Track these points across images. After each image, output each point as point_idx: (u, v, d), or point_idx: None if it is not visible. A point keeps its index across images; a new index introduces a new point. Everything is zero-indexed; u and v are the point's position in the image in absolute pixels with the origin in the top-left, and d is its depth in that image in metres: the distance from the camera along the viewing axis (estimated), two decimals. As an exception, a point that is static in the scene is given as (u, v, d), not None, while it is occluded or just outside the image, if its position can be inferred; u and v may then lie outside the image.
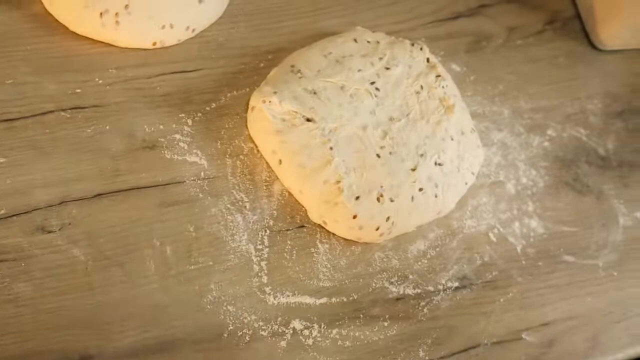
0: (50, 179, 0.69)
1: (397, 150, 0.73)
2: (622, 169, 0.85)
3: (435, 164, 0.74)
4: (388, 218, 0.71)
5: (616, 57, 0.91)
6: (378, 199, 0.71)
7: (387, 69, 0.77)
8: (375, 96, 0.75)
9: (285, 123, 0.73)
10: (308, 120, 0.72)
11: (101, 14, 0.73)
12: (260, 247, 0.71)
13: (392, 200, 0.71)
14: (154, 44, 0.76)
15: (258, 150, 0.75)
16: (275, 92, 0.73)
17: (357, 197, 0.70)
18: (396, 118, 0.75)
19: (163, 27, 0.75)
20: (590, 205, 0.82)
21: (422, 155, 0.74)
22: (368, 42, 0.80)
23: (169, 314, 0.66)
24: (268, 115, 0.73)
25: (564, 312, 0.77)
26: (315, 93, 0.74)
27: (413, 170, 0.73)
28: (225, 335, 0.67)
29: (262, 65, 0.79)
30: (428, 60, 0.79)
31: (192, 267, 0.68)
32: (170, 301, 0.67)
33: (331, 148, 0.71)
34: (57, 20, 0.75)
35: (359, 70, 0.76)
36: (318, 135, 0.72)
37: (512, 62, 0.88)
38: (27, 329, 0.63)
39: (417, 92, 0.77)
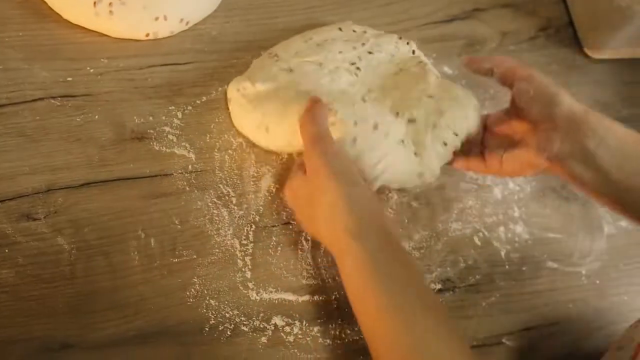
0: (38, 166, 0.69)
1: (377, 105, 0.73)
2: (609, 178, 0.85)
3: (408, 120, 0.73)
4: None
5: (608, 66, 0.91)
6: (375, 128, 0.70)
7: (370, 53, 0.77)
8: (356, 75, 0.75)
9: (261, 98, 0.72)
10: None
11: (95, 2, 0.73)
12: (245, 242, 0.71)
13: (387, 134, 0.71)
14: (147, 35, 0.76)
15: (247, 146, 0.75)
16: (248, 78, 0.74)
17: (355, 123, 0.70)
18: (374, 90, 0.74)
19: (157, 18, 0.75)
20: (575, 213, 0.82)
21: (397, 114, 0.73)
22: (354, 31, 0.79)
23: (151, 306, 0.66)
24: (243, 100, 0.73)
25: (546, 318, 0.77)
26: (291, 70, 0.74)
27: (395, 116, 0.72)
28: (207, 329, 0.67)
29: (254, 60, 0.79)
30: (414, 52, 0.79)
31: (176, 260, 0.69)
32: (153, 293, 0.67)
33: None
34: (50, 8, 0.75)
35: (340, 52, 0.76)
36: (296, 88, 0.72)
37: (505, 67, 0.88)
38: (7, 315, 0.63)
39: (396, 73, 0.76)
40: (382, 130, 0.71)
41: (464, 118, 0.74)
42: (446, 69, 0.85)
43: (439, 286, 0.75)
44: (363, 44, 0.77)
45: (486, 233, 0.78)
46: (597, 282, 0.79)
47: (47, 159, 0.69)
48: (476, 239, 0.78)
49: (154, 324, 0.66)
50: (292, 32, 0.82)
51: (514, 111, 0.72)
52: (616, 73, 0.91)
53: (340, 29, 0.79)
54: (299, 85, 0.72)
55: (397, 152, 0.71)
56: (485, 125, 0.76)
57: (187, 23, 0.78)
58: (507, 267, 0.78)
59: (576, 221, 0.82)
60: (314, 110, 0.68)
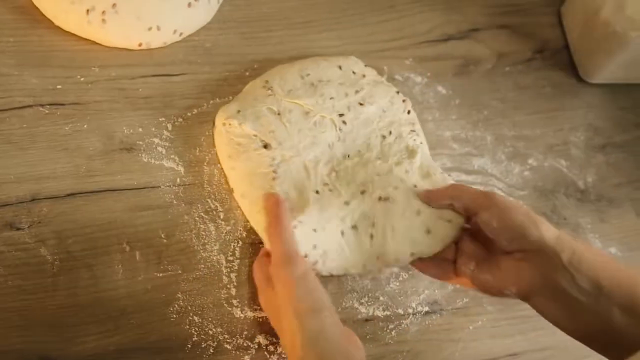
0: (23, 175, 0.68)
1: (338, 187, 0.70)
2: (600, 204, 0.85)
3: (380, 198, 0.70)
4: (315, 246, 0.67)
5: (602, 90, 0.91)
6: (295, 226, 0.67)
7: (361, 104, 0.75)
8: (340, 129, 0.73)
9: (240, 147, 0.71)
10: (265, 147, 0.71)
11: (88, 10, 0.73)
12: (231, 258, 0.70)
13: (314, 230, 0.67)
14: (140, 45, 0.75)
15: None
16: (238, 111, 0.72)
17: (315, 230, 0.67)
18: (351, 156, 0.73)
19: (150, 28, 0.75)
20: (566, 238, 0.82)
21: (363, 192, 0.70)
22: (353, 72, 0.78)
23: (133, 321, 0.66)
24: (225, 138, 0.72)
25: (533, 343, 0.76)
26: (279, 114, 0.73)
27: (346, 204, 0.69)
28: (189, 345, 0.66)
29: (247, 73, 0.79)
30: (409, 112, 0.77)
31: (161, 274, 0.68)
32: (136, 308, 0.66)
33: (274, 179, 0.69)
34: (42, 14, 0.74)
35: (331, 98, 0.75)
36: (266, 165, 0.70)
37: (499, 89, 0.88)
38: (-15, 327, 0.62)
39: (384, 136, 0.74)
40: (310, 227, 0.67)
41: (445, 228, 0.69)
42: (440, 89, 0.85)
43: (426, 308, 0.74)
44: (357, 92, 0.76)
45: (475, 256, 0.78)
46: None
47: (33, 168, 0.68)
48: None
49: (135, 339, 0.65)
50: (286, 47, 0.81)
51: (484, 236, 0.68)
52: (610, 98, 0.91)
53: (340, 67, 0.78)
54: (278, 142, 0.71)
55: (346, 237, 0.69)
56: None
57: (181, 34, 0.77)
58: (495, 290, 0.77)
59: (566, 246, 0.81)
60: (279, 218, 0.65)
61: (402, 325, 0.73)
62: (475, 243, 0.69)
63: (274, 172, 0.70)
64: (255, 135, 0.71)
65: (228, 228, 0.71)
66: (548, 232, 0.64)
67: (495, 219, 0.65)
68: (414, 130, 0.76)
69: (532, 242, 0.64)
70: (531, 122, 0.87)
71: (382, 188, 0.70)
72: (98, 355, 0.64)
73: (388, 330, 0.72)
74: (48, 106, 0.71)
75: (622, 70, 0.90)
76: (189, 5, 0.76)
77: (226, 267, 0.70)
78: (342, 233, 0.69)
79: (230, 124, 0.72)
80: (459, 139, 0.83)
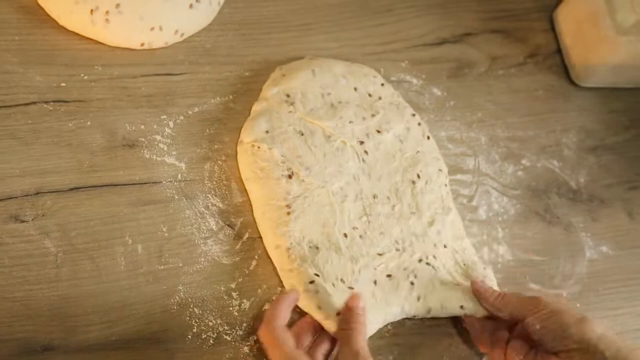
0: (28, 169, 0.69)
1: (370, 235, 0.71)
2: (591, 203, 0.86)
3: (420, 261, 0.72)
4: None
5: (593, 94, 0.93)
6: (333, 284, 0.68)
7: (379, 132, 0.77)
8: (363, 160, 0.75)
9: (261, 173, 0.72)
10: (289, 176, 0.72)
11: (92, 10, 0.74)
12: (232, 253, 0.71)
13: (351, 288, 0.68)
14: (142, 44, 0.77)
15: (236, 157, 0.75)
16: (267, 132, 0.73)
17: (312, 281, 0.68)
18: (380, 200, 0.73)
19: (152, 29, 0.76)
20: (558, 236, 0.83)
21: (398, 249, 0.71)
22: (369, 95, 0.80)
23: (135, 312, 0.67)
24: (250, 158, 0.73)
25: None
26: (302, 134, 0.74)
27: (380, 255, 0.71)
28: (190, 336, 0.67)
29: (247, 74, 0.80)
30: (429, 137, 0.79)
31: (162, 267, 0.69)
32: (137, 299, 0.67)
33: (288, 214, 0.70)
34: (47, 14, 0.76)
35: (350, 122, 0.76)
36: (281, 198, 0.71)
37: (493, 91, 0.90)
38: (-10, 316, 0.64)
39: (413, 182, 0.76)
40: (346, 285, 0.68)
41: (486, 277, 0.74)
42: (435, 90, 0.87)
43: (421, 303, 0.75)
44: (373, 115, 0.78)
45: (470, 253, 0.79)
46: (578, 305, 0.80)
47: (38, 163, 0.70)
48: (459, 258, 0.79)
49: (137, 330, 0.66)
50: (285, 48, 0.83)
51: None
52: (602, 101, 0.93)
53: (355, 89, 0.79)
54: (306, 167, 0.73)
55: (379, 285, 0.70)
56: None
57: (182, 35, 0.79)
58: (489, 287, 0.78)
59: (558, 245, 0.83)
60: (362, 324, 0.65)
61: (398, 319, 0.74)
62: (524, 339, 0.70)
63: (288, 206, 0.70)
64: (283, 163, 0.72)
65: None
66: (592, 331, 0.65)
67: (539, 321, 0.67)
68: (438, 159, 0.78)
69: (575, 340, 0.65)
70: (524, 124, 0.89)
71: (423, 252, 0.72)
72: (100, 345, 0.65)
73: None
74: (52, 103, 0.73)
75: (613, 74, 0.92)
76: (191, 6, 0.78)
77: (226, 261, 0.71)
78: (375, 282, 0.70)
79: (259, 147, 0.73)
80: (453, 140, 0.85)
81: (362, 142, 0.76)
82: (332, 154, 0.74)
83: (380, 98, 0.80)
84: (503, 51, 0.92)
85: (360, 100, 0.79)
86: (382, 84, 0.82)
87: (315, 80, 0.79)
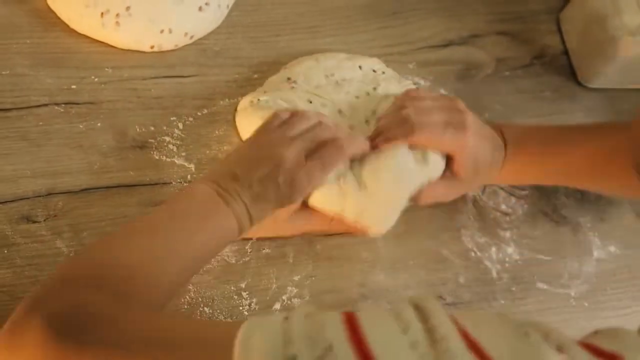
0: (39, 170, 0.70)
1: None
2: (599, 203, 0.86)
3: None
4: None
5: (600, 95, 0.93)
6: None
7: (375, 89, 0.78)
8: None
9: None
10: None
11: (102, 13, 0.75)
12: (241, 252, 0.72)
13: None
14: (152, 47, 0.78)
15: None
16: (265, 92, 0.75)
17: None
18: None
19: (162, 31, 0.77)
20: (566, 236, 0.84)
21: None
22: (373, 70, 0.80)
23: (146, 311, 0.67)
24: (251, 118, 0.73)
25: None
26: (311, 102, 0.75)
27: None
28: (200, 335, 0.68)
29: (255, 76, 0.81)
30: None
31: (172, 266, 0.69)
32: (148, 298, 0.68)
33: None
34: (58, 17, 0.77)
35: (357, 97, 0.77)
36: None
37: (499, 92, 0.90)
38: (3, 315, 0.63)
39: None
40: None
41: None
42: (443, 92, 0.87)
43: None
44: (374, 88, 0.78)
45: (478, 252, 0.80)
46: (586, 304, 0.80)
47: (49, 164, 0.71)
48: (468, 258, 0.79)
49: (148, 329, 0.67)
50: (293, 50, 0.84)
51: None
52: (608, 102, 0.93)
53: (360, 67, 0.80)
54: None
55: None
56: None
57: (192, 37, 0.80)
58: (497, 286, 0.79)
59: (566, 244, 0.83)
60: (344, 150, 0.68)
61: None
62: None
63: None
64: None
65: (237, 223, 0.73)
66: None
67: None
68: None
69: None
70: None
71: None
72: (111, 344, 0.65)
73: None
74: (63, 105, 0.74)
75: (620, 75, 0.92)
76: (200, 9, 0.79)
77: (236, 261, 0.71)
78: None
79: (259, 99, 0.73)
80: (461, 140, 0.85)
81: (367, 122, 0.76)
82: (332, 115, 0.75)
83: (383, 72, 0.81)
84: (509, 53, 0.93)
85: (364, 76, 0.79)
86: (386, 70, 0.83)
87: (319, 65, 0.79)
